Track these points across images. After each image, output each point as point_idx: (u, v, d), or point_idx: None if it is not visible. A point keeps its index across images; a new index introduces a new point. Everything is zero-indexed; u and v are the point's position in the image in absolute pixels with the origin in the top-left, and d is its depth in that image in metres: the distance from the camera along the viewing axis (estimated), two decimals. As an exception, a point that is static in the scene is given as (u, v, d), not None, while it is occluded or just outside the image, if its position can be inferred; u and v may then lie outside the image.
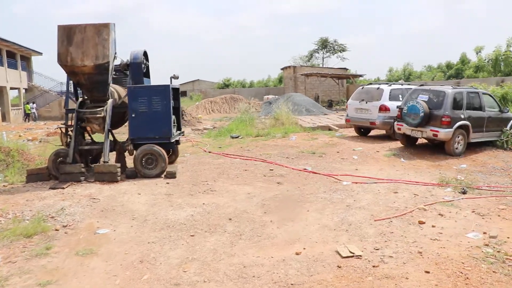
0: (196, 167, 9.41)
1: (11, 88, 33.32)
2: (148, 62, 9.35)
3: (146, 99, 8.60)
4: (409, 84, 13.81)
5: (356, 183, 7.69)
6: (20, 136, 17.73)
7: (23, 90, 35.84)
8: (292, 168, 9.05)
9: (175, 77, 9.30)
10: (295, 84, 41.46)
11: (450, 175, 8.32)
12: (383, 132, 13.55)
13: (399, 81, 28.35)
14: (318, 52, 58.06)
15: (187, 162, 10.13)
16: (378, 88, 13.14)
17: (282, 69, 46.57)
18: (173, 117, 8.92)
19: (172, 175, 8.44)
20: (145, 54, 9.17)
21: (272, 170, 8.93)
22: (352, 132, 14.56)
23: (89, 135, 9.43)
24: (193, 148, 12.80)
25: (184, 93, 68.76)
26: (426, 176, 8.34)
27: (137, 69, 8.88)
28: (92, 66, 8.10)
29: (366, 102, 13.10)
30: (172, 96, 9.00)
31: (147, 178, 8.46)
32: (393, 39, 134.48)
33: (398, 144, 11.78)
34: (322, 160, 10.05)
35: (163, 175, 8.53)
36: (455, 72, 51.19)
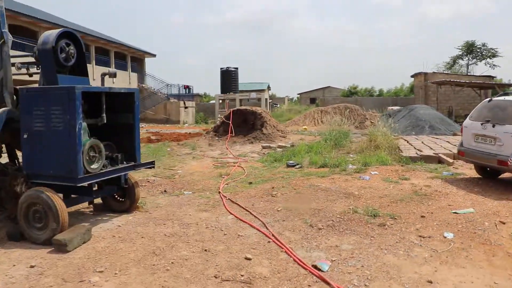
0: (140, 229, 5.44)
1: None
2: (77, 49, 5.59)
3: (44, 110, 5.00)
4: None
5: None
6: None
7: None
8: (295, 259, 4.45)
9: (111, 75, 5.55)
10: (425, 94, 34.39)
11: None
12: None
13: None
14: (462, 59, 48.97)
15: (149, 215, 6.21)
16: (519, 101, 7.41)
17: (412, 76, 39.42)
18: (89, 142, 5.14)
19: (60, 247, 4.65)
20: (68, 36, 5.51)
21: (249, 259, 4.45)
22: (473, 169, 8.96)
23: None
24: (215, 180, 8.88)
25: (313, 100, 65.39)
26: None
27: (45, 60, 5.30)
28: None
29: (494, 126, 7.45)
30: (101, 105, 5.29)
31: (35, 243, 4.92)
32: None
33: (555, 207, 6.15)
34: (378, 237, 5.16)
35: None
36: None
